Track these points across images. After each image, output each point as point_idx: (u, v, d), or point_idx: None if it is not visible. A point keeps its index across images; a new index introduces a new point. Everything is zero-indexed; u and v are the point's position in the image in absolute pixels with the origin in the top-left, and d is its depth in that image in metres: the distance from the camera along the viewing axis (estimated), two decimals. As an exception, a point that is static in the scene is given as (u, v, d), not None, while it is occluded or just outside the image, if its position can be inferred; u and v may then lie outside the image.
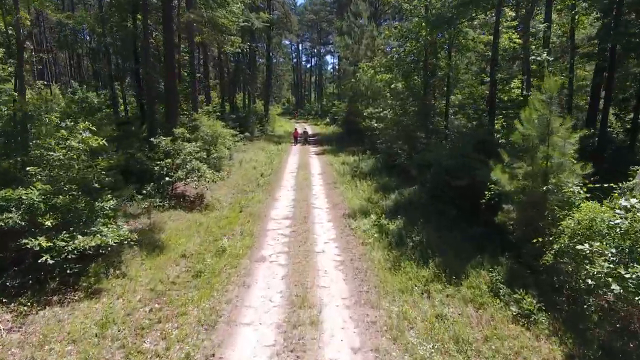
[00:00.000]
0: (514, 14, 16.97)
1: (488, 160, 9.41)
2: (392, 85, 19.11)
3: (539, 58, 12.43)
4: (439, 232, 9.25)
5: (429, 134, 16.62)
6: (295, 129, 33.62)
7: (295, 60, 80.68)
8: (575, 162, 6.61)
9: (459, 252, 8.05)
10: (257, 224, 10.43)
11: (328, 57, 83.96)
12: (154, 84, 15.04)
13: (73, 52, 40.49)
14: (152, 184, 11.44)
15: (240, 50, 23.59)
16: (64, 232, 6.47)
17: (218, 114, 19.83)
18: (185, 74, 24.35)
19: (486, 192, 7.52)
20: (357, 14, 25.34)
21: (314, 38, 75.41)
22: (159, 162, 11.65)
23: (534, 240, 6.30)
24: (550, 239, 6.15)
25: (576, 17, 15.80)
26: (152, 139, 11.79)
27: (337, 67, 78.64)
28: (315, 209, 11.85)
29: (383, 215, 10.55)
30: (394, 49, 17.95)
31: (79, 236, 6.51)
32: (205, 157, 12.60)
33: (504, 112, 18.63)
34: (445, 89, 18.56)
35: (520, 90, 16.96)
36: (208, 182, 11.98)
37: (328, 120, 44.78)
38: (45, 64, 44.64)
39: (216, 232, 9.79)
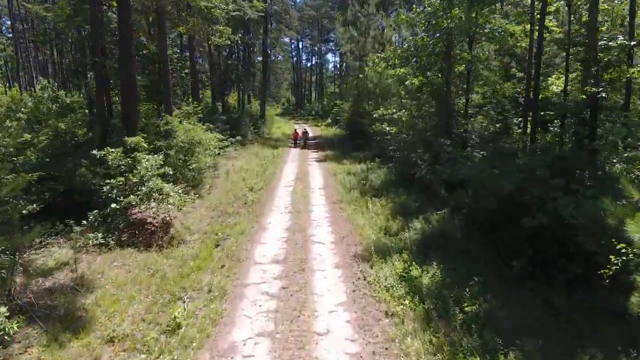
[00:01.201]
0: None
1: (569, 187, 6.45)
2: (407, 82, 16.14)
3: (611, 43, 9.43)
4: (498, 294, 6.26)
5: (454, 141, 13.65)
6: (295, 130, 30.88)
7: (295, 58, 77.89)
8: None
9: (548, 339, 5.06)
10: (234, 272, 7.43)
11: (329, 56, 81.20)
12: (108, 77, 12.08)
13: (55, 48, 37.53)
14: (95, 211, 8.51)
15: (229, 42, 20.66)
16: None
17: (201, 115, 16.84)
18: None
19: (612, 258, 4.48)
20: (363, 1, 22.36)
21: (314, 35, 72.43)
22: (109, 181, 8.70)
23: None
24: None
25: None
26: (93, 152, 8.80)
27: (338, 65, 75.78)
28: (316, 244, 8.85)
29: (411, 260, 7.56)
30: (410, 38, 14.97)
31: None
32: (170, 173, 9.62)
33: (541, 114, 15.87)
34: (464, 85, 15.68)
35: (563, 87, 14.15)
36: (175, 206, 9.01)
37: (329, 121, 41.88)
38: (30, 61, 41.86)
39: (174, 286, 6.82)
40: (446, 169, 12.00)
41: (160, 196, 8.68)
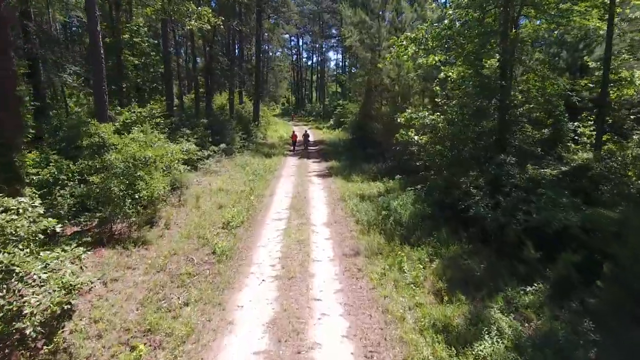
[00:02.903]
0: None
1: None
2: (442, 75, 11.94)
3: None
4: None
5: (522, 159, 9.45)
6: (294, 133, 27.08)
7: (295, 56, 73.72)
8: None
9: None
10: None
11: (331, 53, 77.09)
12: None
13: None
14: None
15: (210, 26, 16.47)
16: None
17: (161, 120, 12.65)
18: (135, 60, 17.29)
19: None
20: (376, -23, 18.15)
21: (315, 31, 68.12)
22: None
23: None
24: None
25: None
26: None
27: (341, 63, 71.67)
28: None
29: None
30: (450, 13, 10.73)
31: None
32: (57, 230, 5.42)
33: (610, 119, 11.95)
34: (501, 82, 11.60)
35: None
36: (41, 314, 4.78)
37: (332, 122, 37.77)
38: None
39: None
40: (522, 204, 7.83)
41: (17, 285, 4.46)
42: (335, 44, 67.94)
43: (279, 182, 15.16)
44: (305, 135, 25.97)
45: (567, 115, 12.53)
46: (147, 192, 9.02)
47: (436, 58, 10.98)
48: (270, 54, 59.49)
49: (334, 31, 65.08)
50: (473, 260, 7.19)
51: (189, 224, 9.81)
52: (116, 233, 8.62)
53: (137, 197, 8.94)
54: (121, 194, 8.35)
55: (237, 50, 31.30)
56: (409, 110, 11.21)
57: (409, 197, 11.31)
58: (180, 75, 25.60)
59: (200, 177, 15.01)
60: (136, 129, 10.50)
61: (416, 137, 11.37)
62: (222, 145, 18.39)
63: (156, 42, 21.22)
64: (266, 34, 47.14)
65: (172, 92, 18.56)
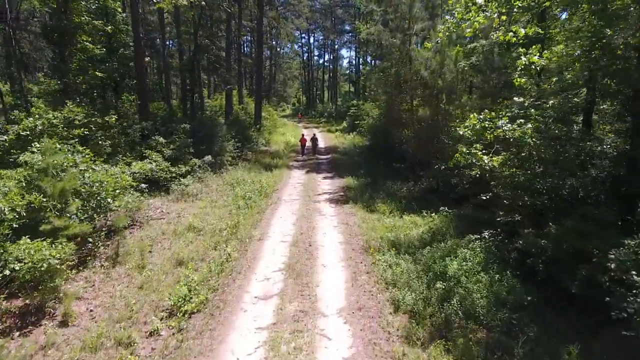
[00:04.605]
0: None
1: None
2: (522, 60, 7.61)
3: None
4: None
5: None
6: (303, 136, 23.32)
7: (306, 55, 69.61)
8: None
9: None
10: None
11: (343, 51, 72.77)
12: None
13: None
14: None
15: (188, 3, 12.41)
16: None
17: (82, 130, 8.63)
18: (95, 49, 13.41)
19: None
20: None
21: (326, 27, 63.89)
22: None
23: None
24: None
25: None
26: None
27: (354, 61, 67.30)
28: None
29: None
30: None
31: None
32: None
33: None
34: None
35: None
36: None
37: (345, 125, 33.60)
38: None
39: None
40: None
41: None
42: (348, 40, 63.83)
43: (276, 212, 11.00)
44: (314, 140, 22.21)
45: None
46: (26, 264, 5.02)
47: (522, 30, 6.66)
48: (279, 49, 55.51)
49: (347, 27, 61.05)
50: None
51: (113, 309, 5.75)
52: (-50, 350, 4.61)
53: (16, 267, 4.96)
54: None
55: (242, 47, 27.41)
56: (477, 116, 6.95)
57: (474, 254, 7.05)
58: (162, 68, 21.71)
59: (169, 204, 11.02)
60: (38, 145, 6.52)
61: (486, 159, 7.09)
62: (207, 158, 14.37)
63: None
64: (274, 30, 43.22)
65: (145, 89, 14.58)
